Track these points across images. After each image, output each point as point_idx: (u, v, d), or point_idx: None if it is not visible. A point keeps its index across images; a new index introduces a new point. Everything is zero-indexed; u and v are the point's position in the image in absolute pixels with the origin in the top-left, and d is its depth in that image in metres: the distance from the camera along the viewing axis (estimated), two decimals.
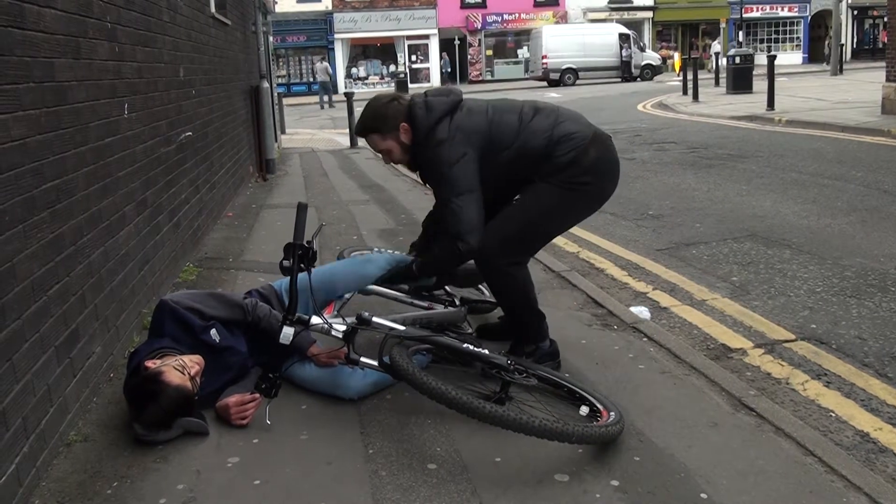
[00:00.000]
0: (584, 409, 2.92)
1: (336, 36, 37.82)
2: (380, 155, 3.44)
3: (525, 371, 2.93)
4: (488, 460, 2.64)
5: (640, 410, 2.95)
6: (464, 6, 39.08)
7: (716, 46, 34.18)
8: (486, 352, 2.92)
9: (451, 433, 2.83)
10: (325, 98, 29.02)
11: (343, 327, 3.04)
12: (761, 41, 40.92)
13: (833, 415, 3.16)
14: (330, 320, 3.07)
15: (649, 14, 41.50)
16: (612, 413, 2.81)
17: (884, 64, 13.72)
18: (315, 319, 3.02)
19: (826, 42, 35.90)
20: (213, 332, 3.10)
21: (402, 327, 3.03)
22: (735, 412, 2.95)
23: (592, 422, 2.79)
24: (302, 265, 2.88)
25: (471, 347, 2.94)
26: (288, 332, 2.93)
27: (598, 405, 2.90)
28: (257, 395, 2.95)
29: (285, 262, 2.88)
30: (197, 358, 2.95)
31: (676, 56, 37.14)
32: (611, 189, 3.40)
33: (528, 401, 2.86)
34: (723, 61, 23.62)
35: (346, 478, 2.57)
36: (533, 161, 3.23)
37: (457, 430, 2.84)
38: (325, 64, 30.96)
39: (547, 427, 2.52)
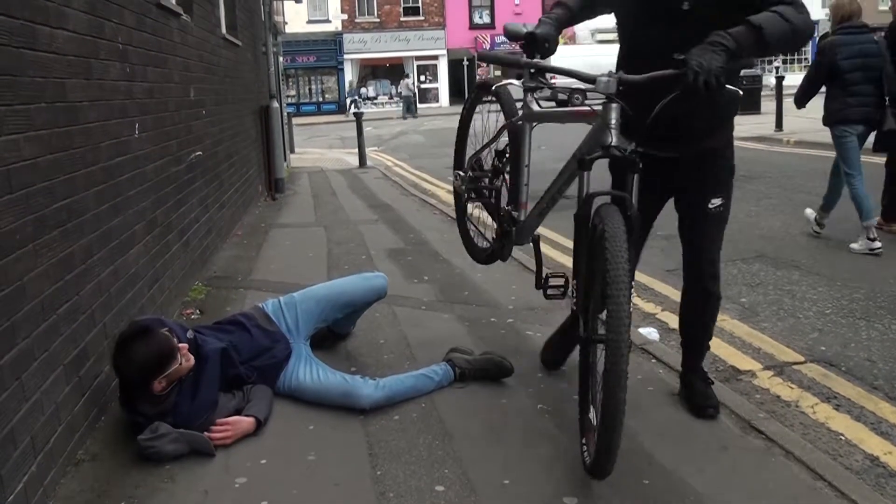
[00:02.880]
0: None
1: (346, 56, 38.08)
2: None
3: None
4: (496, 483, 2.62)
5: (650, 433, 2.94)
6: (472, 27, 39.30)
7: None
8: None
9: (459, 455, 2.82)
10: (408, 112, 32.59)
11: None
12: (769, 62, 41.00)
13: (843, 438, 3.14)
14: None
15: None
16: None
17: None
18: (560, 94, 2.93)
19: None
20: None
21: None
22: (744, 435, 2.93)
23: None
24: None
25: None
26: (604, 80, 2.69)
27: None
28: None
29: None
30: (192, 363, 3.02)
31: None
32: None
33: None
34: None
35: (353, 500, 2.56)
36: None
37: (465, 452, 2.83)
38: (408, 81, 34.38)
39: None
